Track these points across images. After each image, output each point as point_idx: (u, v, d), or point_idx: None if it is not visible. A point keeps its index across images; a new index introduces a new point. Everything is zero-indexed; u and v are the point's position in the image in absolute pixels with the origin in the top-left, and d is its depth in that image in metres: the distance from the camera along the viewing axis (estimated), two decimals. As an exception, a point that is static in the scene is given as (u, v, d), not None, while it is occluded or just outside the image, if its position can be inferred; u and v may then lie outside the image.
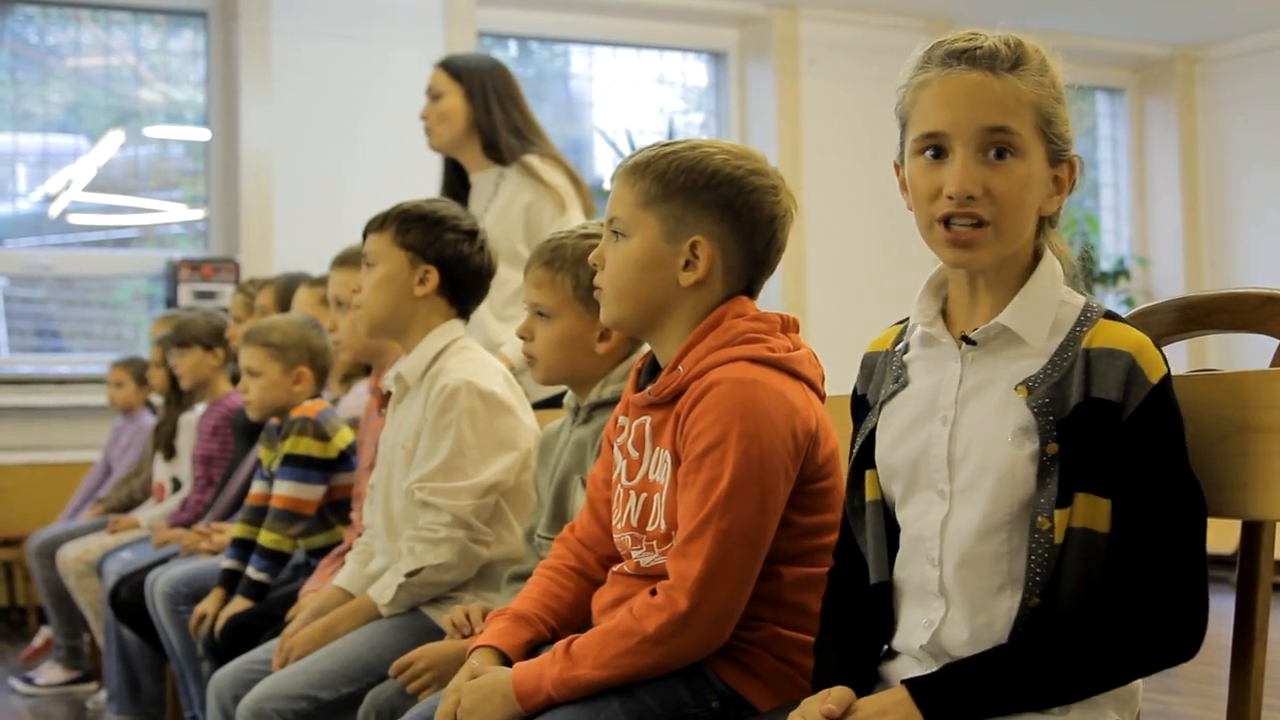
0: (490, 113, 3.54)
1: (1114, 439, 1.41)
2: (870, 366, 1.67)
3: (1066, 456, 1.42)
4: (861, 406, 1.66)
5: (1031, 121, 1.47)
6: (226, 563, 3.20)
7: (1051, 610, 1.43)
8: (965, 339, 1.52)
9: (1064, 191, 1.52)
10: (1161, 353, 1.46)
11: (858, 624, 1.61)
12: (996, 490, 1.45)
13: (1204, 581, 1.41)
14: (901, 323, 1.66)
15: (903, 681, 1.44)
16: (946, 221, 1.47)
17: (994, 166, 1.46)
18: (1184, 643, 1.40)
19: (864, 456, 1.61)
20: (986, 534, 1.47)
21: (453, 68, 3.61)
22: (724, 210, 1.78)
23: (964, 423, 1.50)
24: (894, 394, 1.59)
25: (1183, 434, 1.44)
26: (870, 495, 1.61)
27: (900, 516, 1.57)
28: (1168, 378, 1.44)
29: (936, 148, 1.48)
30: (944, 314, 1.57)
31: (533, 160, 3.50)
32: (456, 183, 3.65)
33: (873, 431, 1.60)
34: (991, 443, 1.46)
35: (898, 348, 1.62)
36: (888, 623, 1.58)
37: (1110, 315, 1.48)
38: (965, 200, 1.45)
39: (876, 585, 1.59)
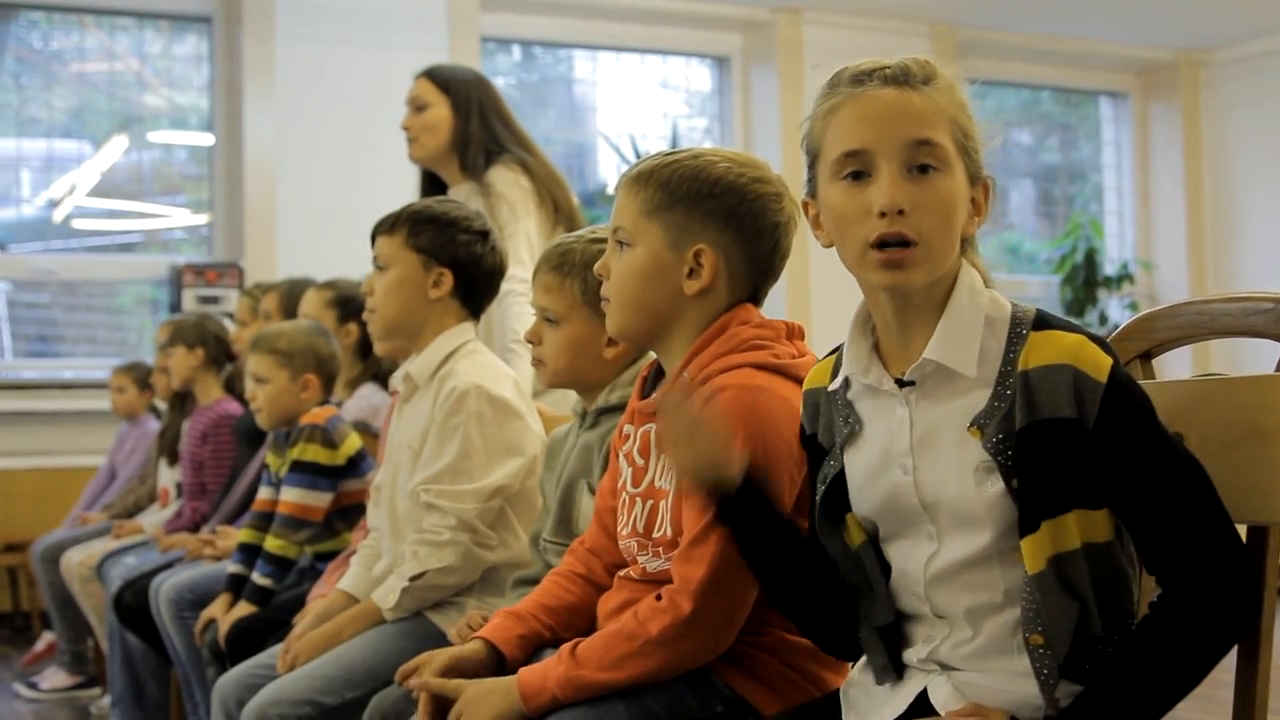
0: (469, 124, 3.49)
1: (1084, 453, 1.38)
2: (814, 405, 1.61)
3: (1025, 485, 1.39)
4: (813, 446, 1.61)
5: (951, 135, 1.44)
6: (233, 567, 3.21)
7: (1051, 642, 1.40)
8: (900, 381, 1.48)
9: (981, 214, 1.48)
10: (1100, 341, 1.41)
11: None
12: (978, 530, 1.43)
13: (1243, 550, 1.40)
14: (834, 352, 1.61)
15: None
16: (880, 245, 1.42)
17: (919, 182, 1.42)
18: (1252, 609, 1.40)
19: (838, 500, 1.56)
20: (973, 566, 1.45)
21: (439, 78, 3.54)
22: (727, 218, 1.78)
23: (924, 469, 1.46)
24: (848, 438, 1.54)
25: (1152, 411, 1.41)
26: (858, 539, 1.55)
27: (887, 552, 1.55)
28: (1115, 366, 1.39)
29: (857, 170, 1.44)
30: (877, 348, 1.52)
31: (490, 174, 3.45)
32: (435, 193, 3.55)
33: (840, 476, 1.55)
34: (959, 486, 1.43)
35: (836, 385, 1.56)
36: (897, 654, 1.55)
37: (1039, 323, 1.43)
38: (896, 216, 1.40)
39: (886, 626, 1.54)
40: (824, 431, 1.59)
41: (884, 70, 1.44)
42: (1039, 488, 1.39)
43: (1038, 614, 1.39)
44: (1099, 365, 1.39)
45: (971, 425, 1.42)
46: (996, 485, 1.41)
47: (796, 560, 1.61)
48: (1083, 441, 1.38)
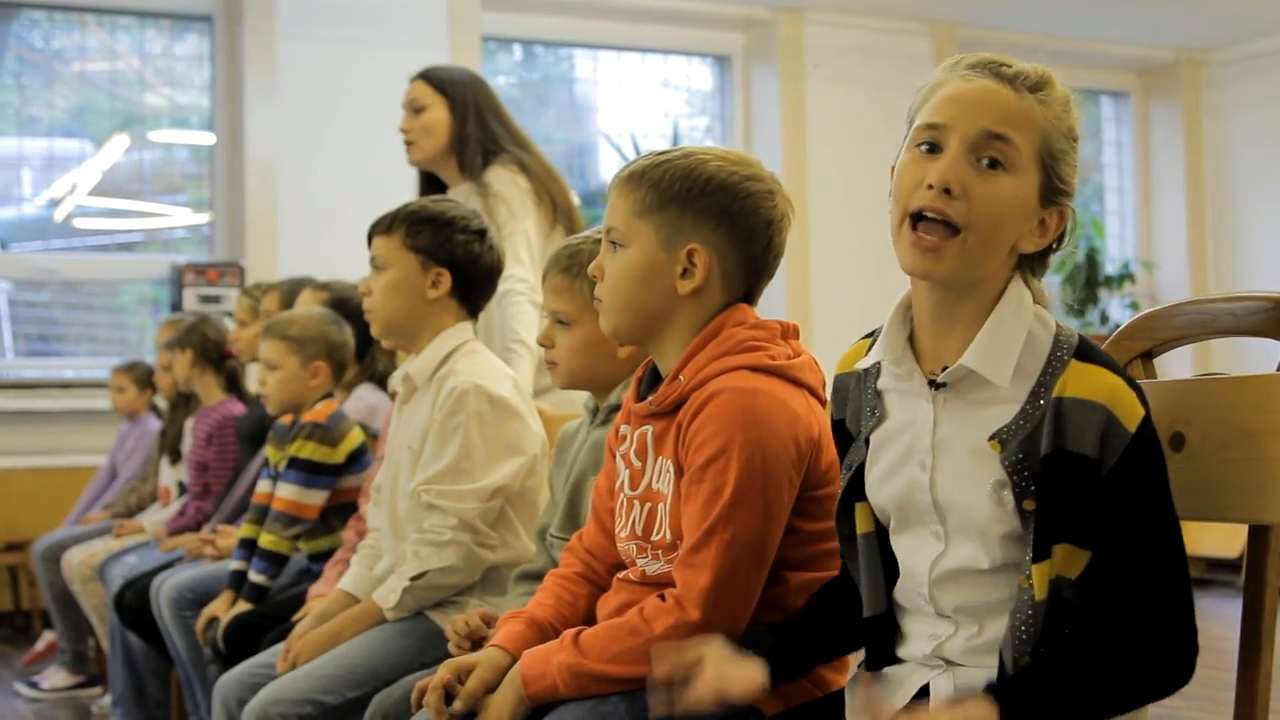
0: (466, 125, 3.50)
1: (1093, 493, 1.39)
2: (844, 391, 1.63)
3: (1043, 510, 1.40)
4: (842, 433, 1.63)
5: (1034, 145, 1.43)
6: (234, 564, 3.22)
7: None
8: (933, 383, 1.49)
9: (1047, 237, 1.47)
10: (1138, 389, 1.42)
11: (831, 625, 1.65)
12: (984, 539, 1.44)
13: (1193, 617, 1.41)
14: (869, 336, 1.61)
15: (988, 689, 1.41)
16: (915, 222, 1.43)
17: (982, 173, 1.42)
18: (1179, 680, 1.41)
19: (853, 487, 1.58)
20: (979, 575, 1.46)
21: (435, 79, 3.55)
22: (720, 217, 1.78)
23: (942, 469, 1.48)
24: (874, 429, 1.56)
25: (1165, 474, 1.42)
26: (862, 528, 1.58)
27: (894, 544, 1.56)
28: (1146, 419, 1.40)
29: (933, 143, 1.44)
30: (911, 339, 1.53)
31: (488, 174, 3.46)
32: (434, 192, 3.55)
33: (862, 464, 1.57)
34: (971, 494, 1.45)
35: (869, 369, 1.58)
36: (887, 646, 1.57)
37: (1082, 352, 1.43)
38: (942, 193, 1.41)
39: (872, 617, 1.57)
40: (852, 418, 1.61)
41: (999, 67, 1.45)
42: (1054, 515, 1.39)
43: (1031, 638, 1.40)
44: (1132, 414, 1.39)
45: (992, 438, 1.43)
46: (1008, 503, 1.41)
47: (831, 639, 1.68)
48: (1094, 482, 1.39)
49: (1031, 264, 1.49)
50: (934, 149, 1.44)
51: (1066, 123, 1.46)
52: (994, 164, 1.42)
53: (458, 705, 1.80)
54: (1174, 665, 1.40)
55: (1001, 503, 1.42)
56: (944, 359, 1.48)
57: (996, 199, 1.42)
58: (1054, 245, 1.49)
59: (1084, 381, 1.40)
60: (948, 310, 1.48)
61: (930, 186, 1.42)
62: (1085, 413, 1.39)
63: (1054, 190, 1.45)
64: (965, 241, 1.42)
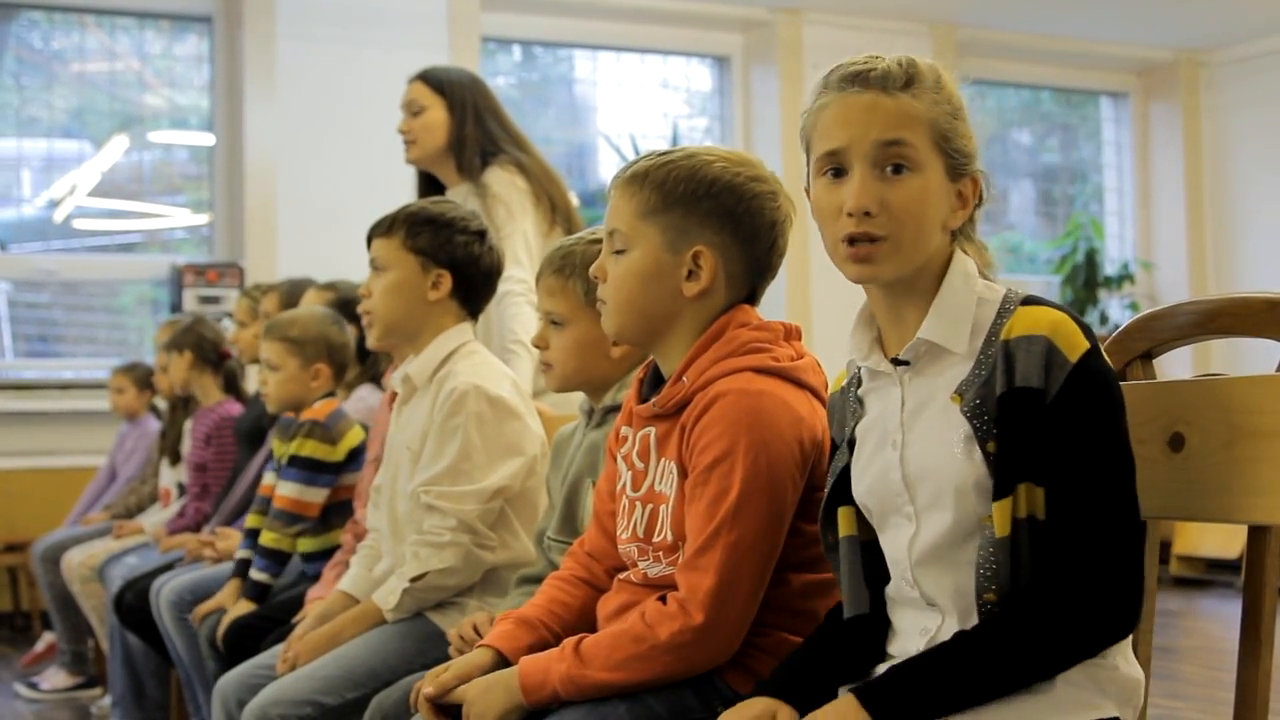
0: (464, 125, 3.50)
1: (1041, 425, 1.41)
2: (834, 410, 1.67)
3: (1002, 449, 1.42)
4: (835, 449, 1.66)
5: (927, 136, 1.49)
6: (241, 553, 3.24)
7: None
8: (895, 361, 1.53)
9: (968, 207, 1.53)
10: (1084, 326, 1.44)
11: (837, 651, 1.61)
12: (958, 502, 1.46)
13: (1137, 561, 1.40)
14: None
15: (850, 689, 1.43)
16: (850, 240, 1.48)
17: (891, 182, 1.48)
18: (1116, 624, 1.40)
19: (837, 494, 1.61)
20: (956, 545, 1.47)
21: (434, 80, 3.55)
22: (725, 218, 1.78)
23: (912, 444, 1.50)
24: (854, 426, 1.59)
25: (1114, 407, 1.43)
26: (844, 531, 1.60)
27: (882, 544, 1.58)
28: (1091, 353, 1.42)
29: (836, 167, 1.51)
30: (881, 341, 1.57)
31: (487, 175, 3.47)
32: (433, 193, 3.56)
33: (847, 469, 1.60)
34: (942, 458, 1.47)
35: (851, 382, 1.63)
36: (875, 647, 1.57)
37: (1030, 300, 1.48)
38: (863, 217, 1.47)
39: (852, 619, 1.59)
40: (837, 429, 1.64)
41: (868, 74, 1.50)
42: (1013, 452, 1.42)
43: (995, 575, 1.42)
44: (1074, 345, 1.42)
45: (954, 393, 1.47)
46: (975, 453, 1.44)
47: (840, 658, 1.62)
48: (1041, 413, 1.41)
49: (964, 231, 1.55)
50: (839, 173, 1.51)
51: (946, 101, 1.51)
52: (898, 169, 1.48)
53: (428, 691, 1.81)
54: (1109, 613, 1.39)
55: (970, 455, 1.44)
56: (906, 343, 1.53)
57: (912, 200, 1.48)
58: (977, 206, 1.55)
59: (1027, 319, 1.45)
60: (900, 301, 1.53)
61: (850, 214, 1.48)
62: (1028, 346, 1.43)
63: (958, 166, 1.51)
64: (896, 243, 1.48)
